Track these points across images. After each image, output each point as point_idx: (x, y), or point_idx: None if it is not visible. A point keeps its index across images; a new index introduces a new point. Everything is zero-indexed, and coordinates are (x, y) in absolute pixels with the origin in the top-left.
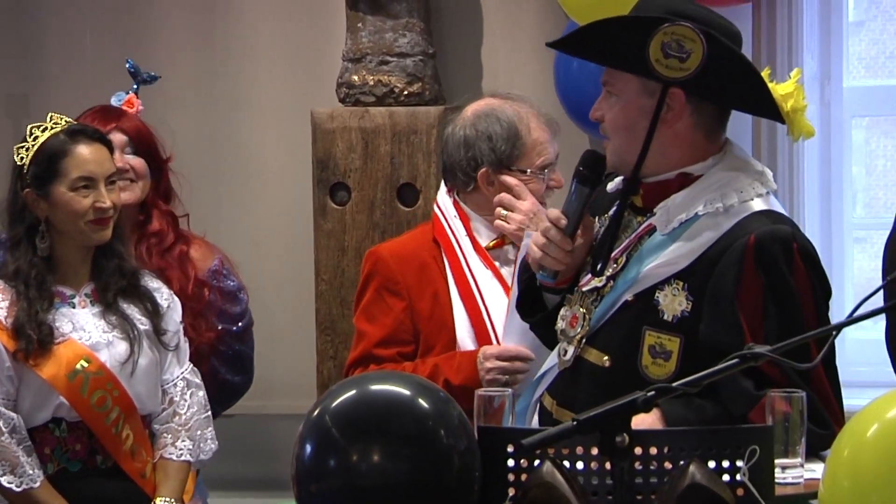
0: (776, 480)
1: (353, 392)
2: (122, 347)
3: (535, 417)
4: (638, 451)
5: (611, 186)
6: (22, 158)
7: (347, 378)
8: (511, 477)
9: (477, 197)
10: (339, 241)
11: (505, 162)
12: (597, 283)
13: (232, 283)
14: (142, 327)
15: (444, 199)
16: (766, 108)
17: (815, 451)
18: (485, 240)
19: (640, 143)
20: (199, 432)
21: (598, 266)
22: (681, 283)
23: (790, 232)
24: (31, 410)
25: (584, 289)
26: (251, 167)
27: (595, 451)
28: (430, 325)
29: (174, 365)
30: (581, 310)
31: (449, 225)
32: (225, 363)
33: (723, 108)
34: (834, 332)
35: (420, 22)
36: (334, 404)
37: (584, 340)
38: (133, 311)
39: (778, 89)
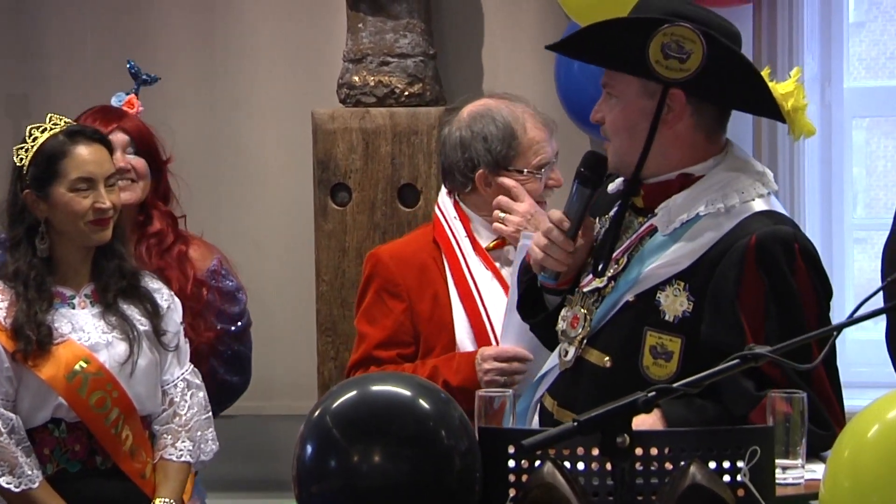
0: (777, 481)
1: (354, 393)
2: (121, 348)
3: (536, 418)
4: (639, 451)
5: (611, 187)
6: (21, 159)
7: (348, 379)
8: (512, 478)
9: (476, 198)
10: (340, 241)
11: (501, 162)
12: (598, 283)
13: (230, 284)
14: (141, 328)
15: (444, 200)
16: (767, 107)
17: (815, 452)
18: (485, 241)
19: (641, 145)
20: (199, 433)
21: (600, 267)
22: (682, 284)
23: (791, 232)
24: (31, 411)
25: (585, 289)
26: (252, 168)
27: (596, 451)
28: (430, 327)
29: (174, 366)
30: (582, 310)
31: (449, 226)
32: (224, 363)
33: (723, 108)
34: (834, 333)
35: (421, 23)
36: (335, 405)
37: (584, 341)
38: (133, 312)
39: (778, 88)
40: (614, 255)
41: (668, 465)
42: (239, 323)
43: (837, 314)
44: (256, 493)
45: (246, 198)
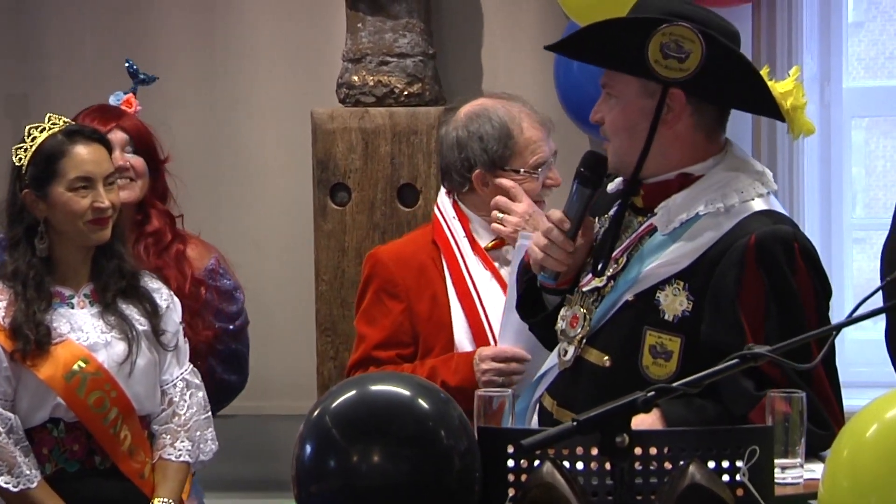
0: (776, 481)
1: (354, 393)
2: (120, 348)
3: (535, 418)
4: (638, 451)
5: (611, 187)
6: (20, 159)
7: (347, 379)
8: (511, 477)
9: (474, 198)
10: (340, 241)
11: (498, 162)
12: (597, 283)
13: (228, 282)
14: (140, 328)
15: (443, 200)
16: (766, 106)
17: (814, 452)
18: (484, 241)
19: (641, 145)
20: (198, 433)
21: (599, 266)
22: (682, 283)
23: (791, 232)
24: (29, 411)
25: (585, 289)
26: (251, 168)
27: (595, 451)
28: (429, 327)
29: (174, 365)
30: (581, 310)
31: (448, 226)
32: (221, 362)
33: (723, 107)
34: (834, 333)
35: (420, 22)
36: (334, 405)
37: (584, 340)
38: (132, 312)
39: (777, 87)
40: (614, 254)
41: (668, 465)
42: (237, 322)
43: (836, 314)
44: (256, 493)
45: (245, 197)
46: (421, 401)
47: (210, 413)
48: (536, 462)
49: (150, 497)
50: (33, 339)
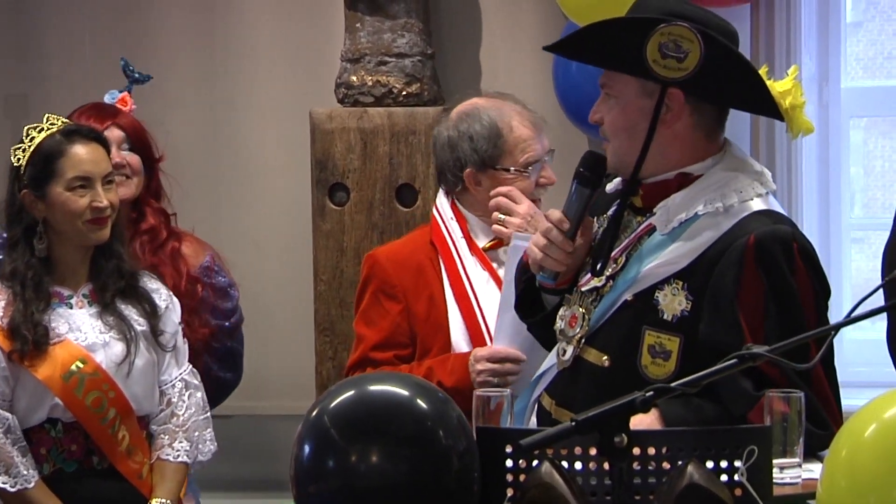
0: (774, 481)
1: (352, 392)
2: (118, 348)
3: (534, 418)
4: (636, 451)
5: (610, 187)
6: (19, 160)
7: (346, 379)
8: (510, 477)
9: (468, 197)
10: (338, 241)
11: (488, 161)
12: (596, 282)
13: (223, 279)
14: (139, 328)
15: (441, 201)
16: (765, 106)
17: (813, 452)
18: (482, 241)
19: (640, 145)
20: (196, 433)
21: (598, 266)
22: (680, 283)
23: (790, 232)
24: (27, 411)
25: (584, 289)
26: (250, 167)
27: (594, 451)
28: (427, 328)
29: (172, 366)
30: (580, 310)
31: (446, 227)
32: (217, 360)
33: (722, 107)
34: (832, 333)
35: (419, 22)
36: (333, 405)
37: (583, 340)
38: (131, 312)
39: (776, 86)
40: (613, 254)
41: (666, 465)
42: (232, 319)
43: (835, 314)
44: (254, 493)
45: (244, 197)
46: (420, 401)
47: (209, 413)
48: (535, 462)
49: (148, 497)
50: (31, 340)
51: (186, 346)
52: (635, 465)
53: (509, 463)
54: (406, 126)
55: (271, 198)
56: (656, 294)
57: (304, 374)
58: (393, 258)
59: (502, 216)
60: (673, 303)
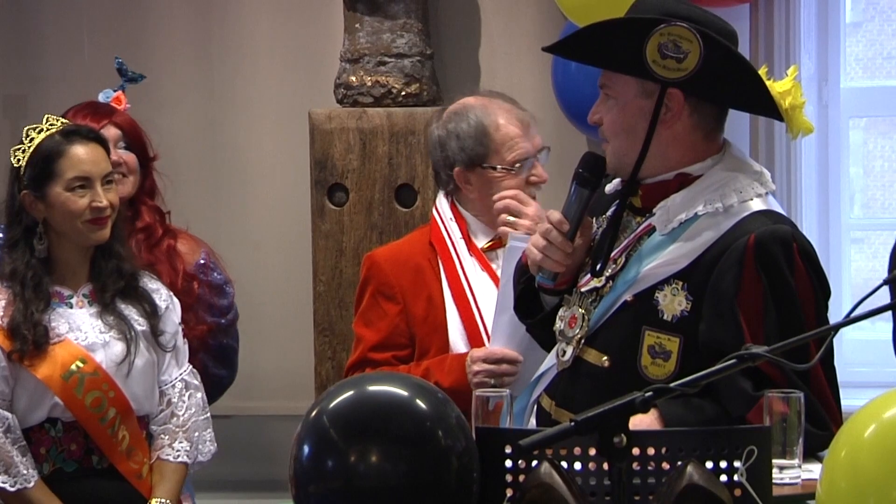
0: (774, 481)
1: (351, 393)
2: (118, 348)
3: (533, 419)
4: (636, 451)
5: (609, 188)
6: (18, 160)
7: (345, 379)
8: (509, 478)
9: (462, 197)
10: (337, 241)
11: (476, 160)
12: (596, 283)
13: (219, 277)
14: (139, 328)
15: (441, 201)
16: (765, 106)
17: (813, 452)
18: (481, 242)
19: (640, 145)
20: (196, 434)
21: (598, 267)
22: (680, 283)
23: (790, 232)
24: (27, 410)
25: (584, 289)
26: (249, 168)
27: (593, 451)
28: (425, 329)
29: (172, 366)
30: (580, 310)
31: (445, 227)
32: (212, 357)
33: (721, 107)
34: (832, 333)
35: (418, 23)
36: (332, 405)
37: (583, 341)
38: (131, 312)
39: (776, 87)
40: (612, 254)
41: (666, 465)
42: (228, 316)
43: (834, 314)
44: (253, 493)
45: (243, 198)
46: (419, 401)
47: (209, 414)
48: (534, 462)
49: (148, 497)
50: (31, 339)
51: (186, 346)
52: (635, 466)
53: (508, 463)
54: (405, 126)
55: (270, 198)
56: (656, 294)
57: (303, 375)
58: (392, 259)
59: (511, 218)
60: (673, 303)
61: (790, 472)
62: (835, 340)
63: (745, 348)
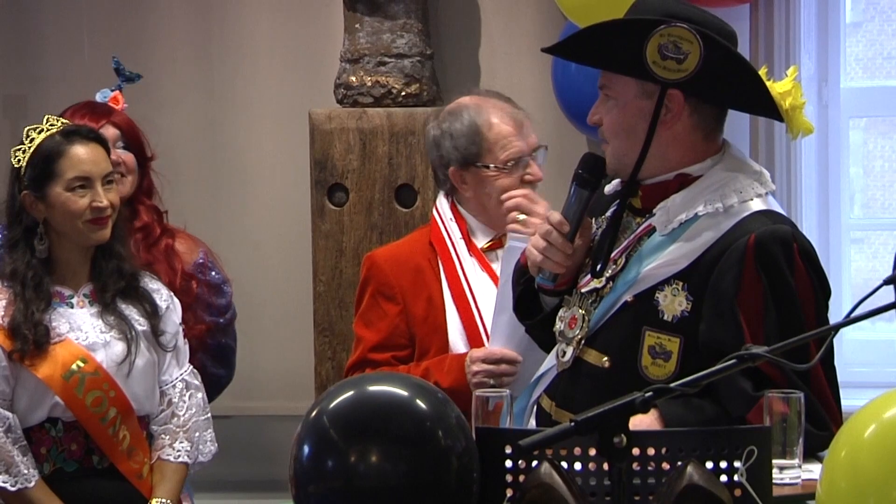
0: (774, 481)
1: (351, 393)
2: (119, 348)
3: (533, 419)
4: (636, 451)
5: (608, 188)
6: (19, 161)
7: (345, 379)
8: (509, 478)
9: (461, 196)
10: (337, 242)
11: (469, 159)
12: (596, 284)
13: (217, 276)
14: (140, 328)
15: (441, 201)
16: (765, 106)
17: (813, 452)
18: (481, 242)
19: (640, 146)
20: (197, 434)
21: (598, 267)
22: (681, 284)
23: (790, 232)
24: (27, 410)
25: (584, 290)
26: (249, 168)
27: (593, 451)
28: (425, 329)
29: (173, 366)
30: (580, 311)
31: (445, 228)
32: (211, 357)
33: (721, 108)
34: (832, 333)
35: (418, 23)
36: (332, 405)
37: (583, 342)
38: (131, 312)
39: (776, 87)
40: (612, 255)
41: (666, 466)
42: (226, 315)
43: (834, 314)
44: (253, 493)
45: (243, 198)
46: (419, 401)
47: (209, 414)
48: (534, 462)
49: (148, 497)
50: (32, 339)
51: (187, 346)
52: (635, 466)
53: (508, 463)
54: (405, 126)
55: (270, 198)
56: (656, 295)
57: (303, 375)
58: (391, 259)
59: (522, 216)
60: (673, 303)
61: (790, 473)
62: (835, 340)
63: (745, 348)
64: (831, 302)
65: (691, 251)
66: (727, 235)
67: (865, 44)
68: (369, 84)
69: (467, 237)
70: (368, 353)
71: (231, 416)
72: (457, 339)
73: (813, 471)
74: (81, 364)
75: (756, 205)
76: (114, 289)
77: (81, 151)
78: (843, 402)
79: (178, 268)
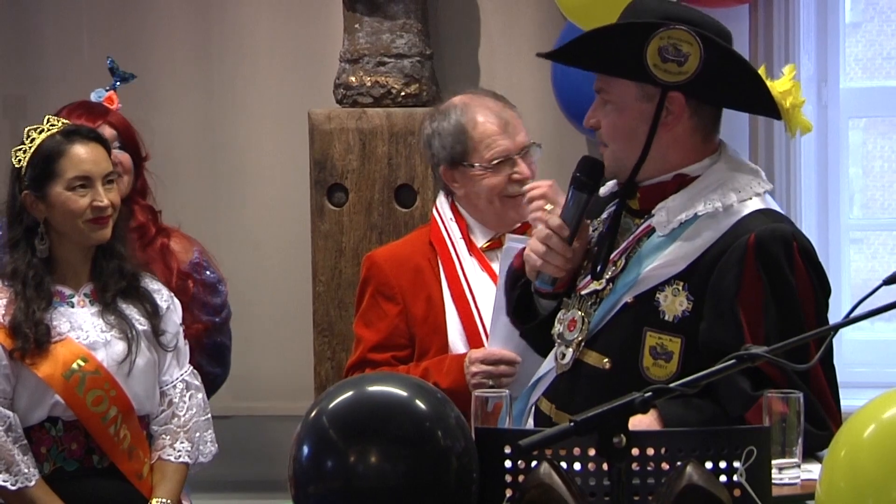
0: (773, 481)
1: (351, 393)
2: (119, 347)
3: (531, 422)
4: (635, 451)
5: (603, 190)
6: (19, 161)
7: (345, 379)
8: (508, 478)
9: (456, 195)
10: (337, 242)
11: (456, 158)
12: (596, 286)
13: (212, 275)
14: (140, 328)
15: (441, 201)
16: (765, 105)
17: (813, 451)
18: (480, 240)
19: (640, 148)
20: (197, 434)
21: (598, 269)
22: (681, 284)
23: (790, 231)
24: (28, 409)
25: (583, 292)
26: (249, 168)
27: (592, 452)
28: (425, 329)
29: (174, 366)
30: (579, 313)
31: (445, 227)
32: (207, 356)
33: (722, 108)
34: (831, 333)
35: (417, 23)
36: (332, 405)
37: (583, 343)
38: (132, 312)
39: (776, 86)
40: (612, 256)
41: (665, 466)
42: (222, 314)
43: (833, 314)
44: (253, 493)
45: (243, 198)
46: (418, 401)
47: (209, 415)
48: (534, 463)
49: (149, 497)
50: (32, 338)
51: (187, 347)
52: (634, 466)
53: (508, 464)
54: (405, 127)
55: (270, 198)
56: (657, 295)
57: (303, 375)
58: (391, 259)
59: (549, 206)
60: (674, 303)
61: (789, 473)
62: (834, 341)
63: (744, 349)
64: (830, 302)
65: (692, 251)
66: (727, 235)
67: (865, 44)
68: (369, 84)
69: (467, 237)
70: (368, 354)
71: (230, 416)
72: (456, 339)
73: (812, 471)
74: (82, 363)
75: (755, 203)
76: (114, 288)
77: (82, 151)
78: (843, 403)
79: (173, 267)
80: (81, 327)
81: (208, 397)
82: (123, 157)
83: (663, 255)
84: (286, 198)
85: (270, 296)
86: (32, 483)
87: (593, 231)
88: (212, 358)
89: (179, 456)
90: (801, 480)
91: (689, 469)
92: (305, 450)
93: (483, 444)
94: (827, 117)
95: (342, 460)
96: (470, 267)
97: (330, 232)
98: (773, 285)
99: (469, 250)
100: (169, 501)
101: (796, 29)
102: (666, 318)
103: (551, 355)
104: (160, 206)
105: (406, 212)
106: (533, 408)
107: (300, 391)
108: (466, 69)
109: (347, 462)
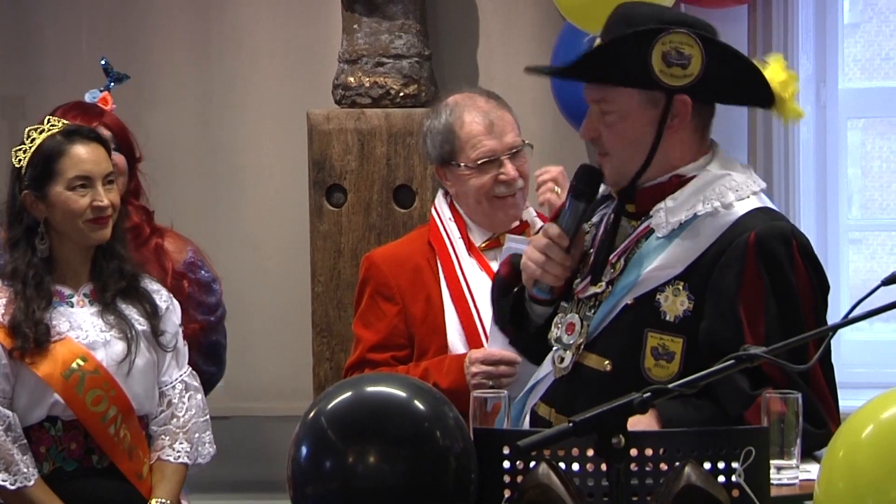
0: (771, 481)
1: (349, 394)
2: (119, 347)
3: (527, 427)
4: (634, 452)
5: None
6: (20, 161)
7: (344, 380)
8: (507, 478)
9: (463, 196)
10: (336, 242)
11: (445, 157)
12: (596, 289)
13: (206, 274)
14: (140, 328)
15: (440, 201)
16: (764, 97)
17: (811, 450)
18: (478, 240)
19: (645, 154)
20: (196, 435)
21: (596, 272)
22: (682, 283)
23: (789, 229)
24: (27, 409)
25: (582, 296)
26: (247, 169)
27: (591, 452)
28: (424, 329)
29: (173, 367)
30: (577, 316)
31: (444, 227)
32: (202, 355)
33: (725, 104)
34: (830, 333)
35: (416, 23)
36: (330, 406)
37: (582, 346)
38: (131, 312)
39: (773, 78)
40: (610, 258)
41: (664, 466)
42: (217, 313)
43: (832, 314)
44: (251, 494)
45: (241, 199)
46: (417, 402)
47: (208, 416)
48: (532, 463)
49: (148, 497)
50: (32, 337)
51: (186, 347)
52: (633, 467)
53: (507, 464)
54: (403, 127)
55: (268, 199)
56: (657, 296)
57: (302, 376)
58: (390, 259)
59: (559, 189)
60: (675, 304)
61: (788, 473)
62: (833, 341)
63: (743, 349)
64: (829, 302)
65: (692, 251)
66: (727, 233)
67: (863, 45)
68: (367, 85)
69: (466, 236)
70: (367, 354)
71: (229, 416)
72: (455, 339)
73: (810, 471)
74: (81, 362)
75: (753, 202)
76: (114, 288)
77: (82, 151)
78: (841, 403)
79: (168, 267)
80: (81, 327)
81: (204, 396)
82: (118, 158)
83: (663, 256)
84: (285, 198)
85: (269, 296)
86: (31, 483)
87: (586, 233)
88: (207, 357)
89: (179, 456)
90: (800, 481)
91: (687, 469)
92: (304, 450)
93: (482, 445)
94: (825, 118)
95: (341, 461)
96: (469, 267)
97: (329, 232)
98: (773, 283)
99: (468, 250)
100: (168, 502)
101: (795, 29)
102: (667, 318)
103: (547, 360)
104: (160, 206)
105: (405, 212)
106: (528, 414)
107: (299, 392)
108: (465, 70)
109: (346, 462)
